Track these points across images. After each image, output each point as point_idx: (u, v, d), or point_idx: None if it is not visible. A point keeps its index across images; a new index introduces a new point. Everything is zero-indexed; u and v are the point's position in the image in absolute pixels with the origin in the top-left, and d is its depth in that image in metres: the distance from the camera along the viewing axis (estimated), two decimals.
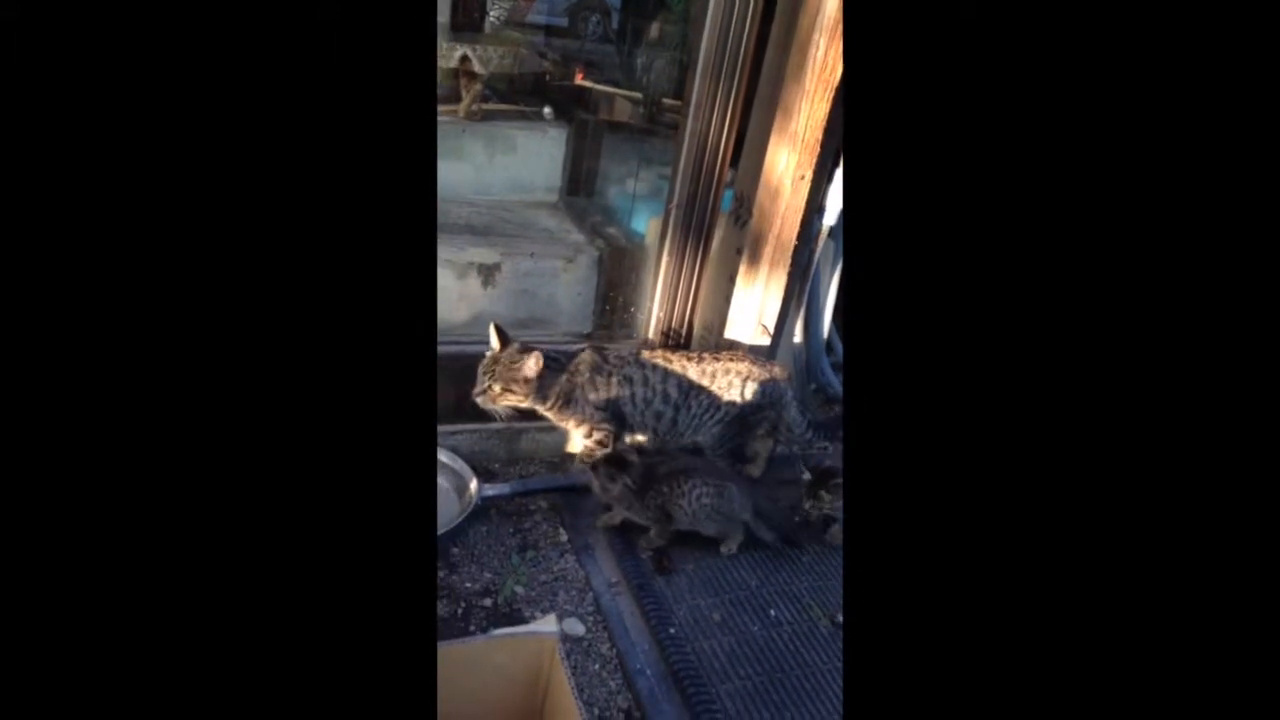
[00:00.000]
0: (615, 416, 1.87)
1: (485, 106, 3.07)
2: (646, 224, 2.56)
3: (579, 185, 3.08)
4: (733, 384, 1.89)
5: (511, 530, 1.82)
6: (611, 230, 2.74)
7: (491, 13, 3.68)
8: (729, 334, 2.12)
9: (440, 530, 1.67)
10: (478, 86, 2.99)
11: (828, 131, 1.88)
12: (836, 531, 1.84)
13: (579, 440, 1.92)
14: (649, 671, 1.49)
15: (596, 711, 1.42)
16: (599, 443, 1.86)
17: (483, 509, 1.83)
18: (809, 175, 1.93)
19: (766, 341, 2.13)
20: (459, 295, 2.33)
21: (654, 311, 2.25)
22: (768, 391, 1.91)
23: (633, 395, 1.86)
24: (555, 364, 1.84)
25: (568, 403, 1.84)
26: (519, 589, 1.65)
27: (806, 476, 1.81)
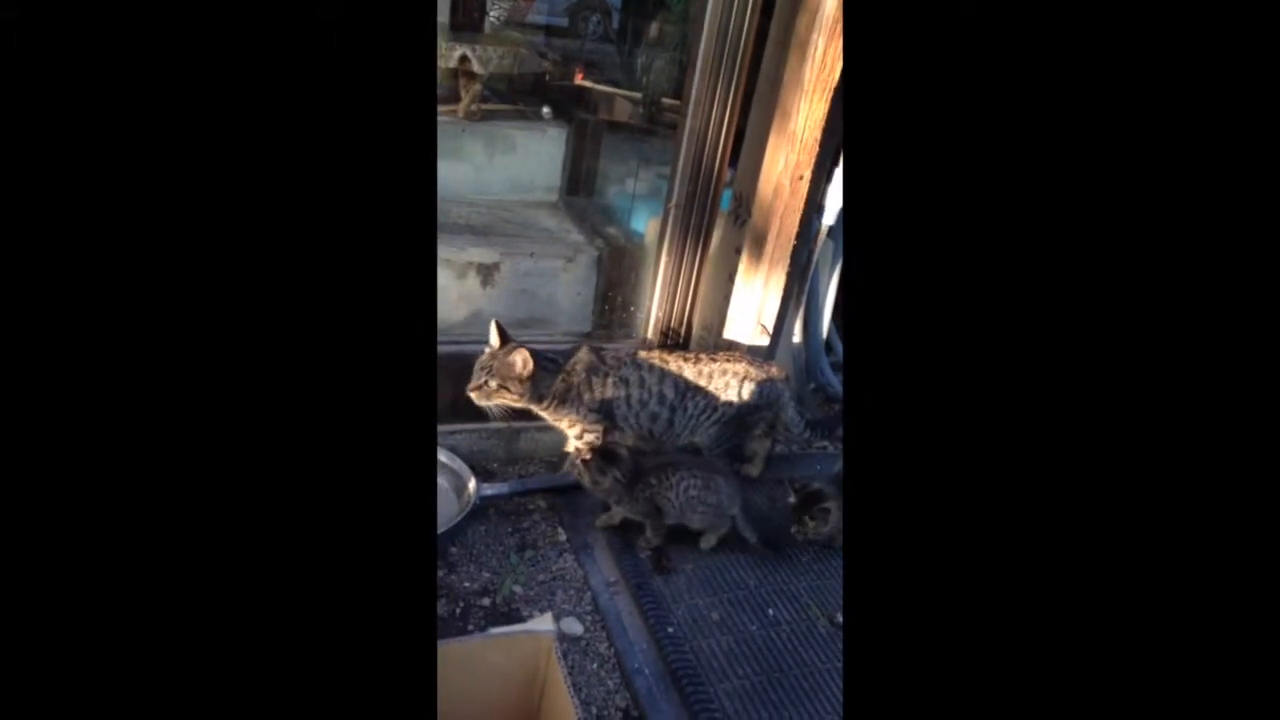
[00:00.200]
0: (607, 417, 1.86)
1: (484, 106, 3.08)
2: (646, 224, 2.57)
3: (578, 185, 3.08)
4: (729, 384, 1.89)
5: (510, 530, 1.82)
6: (611, 230, 2.74)
7: (491, 13, 3.68)
8: (728, 333, 2.12)
9: (439, 530, 1.67)
10: (477, 86, 3.00)
11: (826, 131, 1.88)
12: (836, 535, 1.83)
13: (571, 441, 1.92)
14: (647, 671, 1.49)
15: (594, 710, 1.42)
16: (589, 444, 1.85)
17: (481, 508, 1.83)
18: (808, 175, 1.93)
19: (766, 341, 2.13)
20: (458, 295, 2.34)
21: (653, 311, 2.25)
22: (765, 392, 1.91)
23: (628, 396, 1.86)
24: (553, 364, 1.84)
25: (563, 403, 1.84)
26: (517, 588, 1.66)
27: (792, 499, 1.78)
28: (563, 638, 1.55)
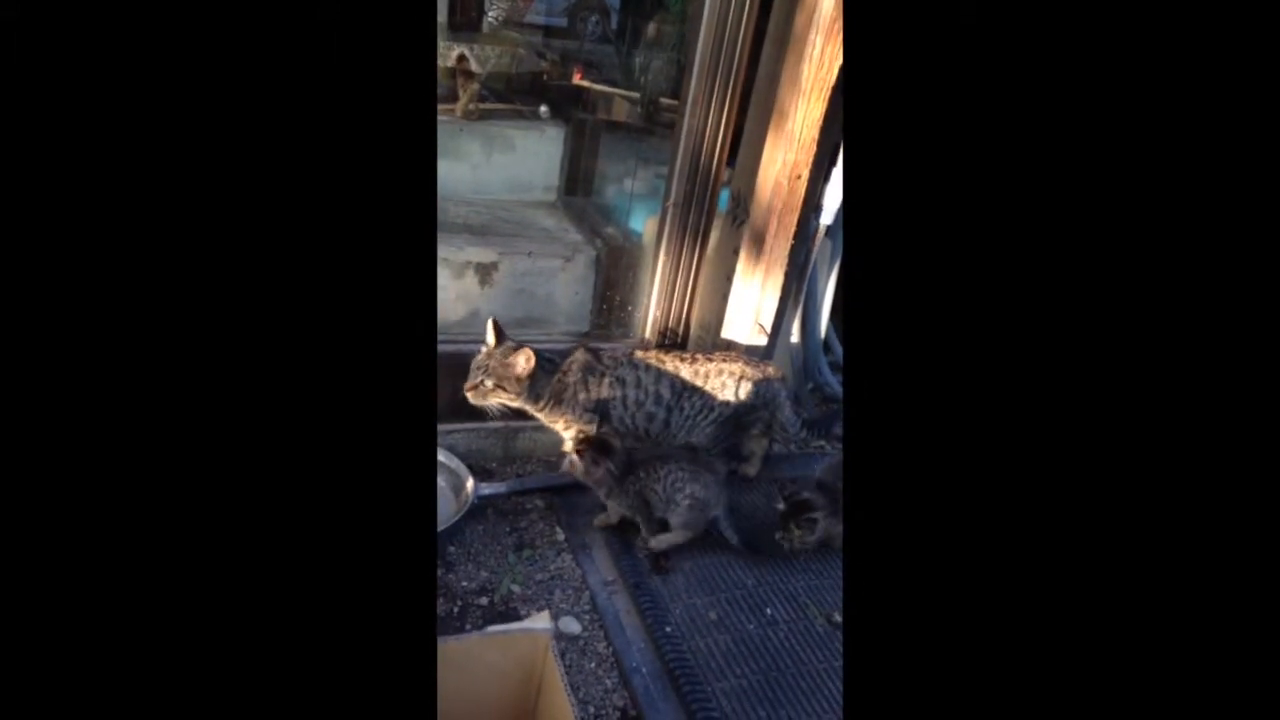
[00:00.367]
0: (602, 417, 1.86)
1: (482, 106, 3.08)
2: (644, 223, 2.57)
3: (576, 184, 3.08)
4: (726, 384, 1.89)
5: (508, 529, 1.82)
6: (609, 229, 2.74)
7: (489, 12, 3.68)
8: (726, 333, 2.12)
9: (437, 529, 1.67)
10: (475, 86, 3.00)
11: (824, 130, 1.89)
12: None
13: (567, 441, 1.92)
14: (645, 670, 1.49)
15: (592, 710, 1.42)
16: (584, 435, 1.85)
17: (479, 508, 1.82)
18: (805, 174, 1.93)
19: (764, 340, 2.13)
20: (456, 294, 2.34)
21: (651, 311, 2.25)
22: (761, 392, 1.91)
23: (624, 397, 1.86)
24: (550, 364, 1.84)
25: (559, 403, 1.84)
26: (515, 587, 1.66)
27: (780, 506, 1.77)
28: (560, 637, 1.55)
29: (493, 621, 1.54)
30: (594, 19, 4.64)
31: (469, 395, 1.79)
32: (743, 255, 2.05)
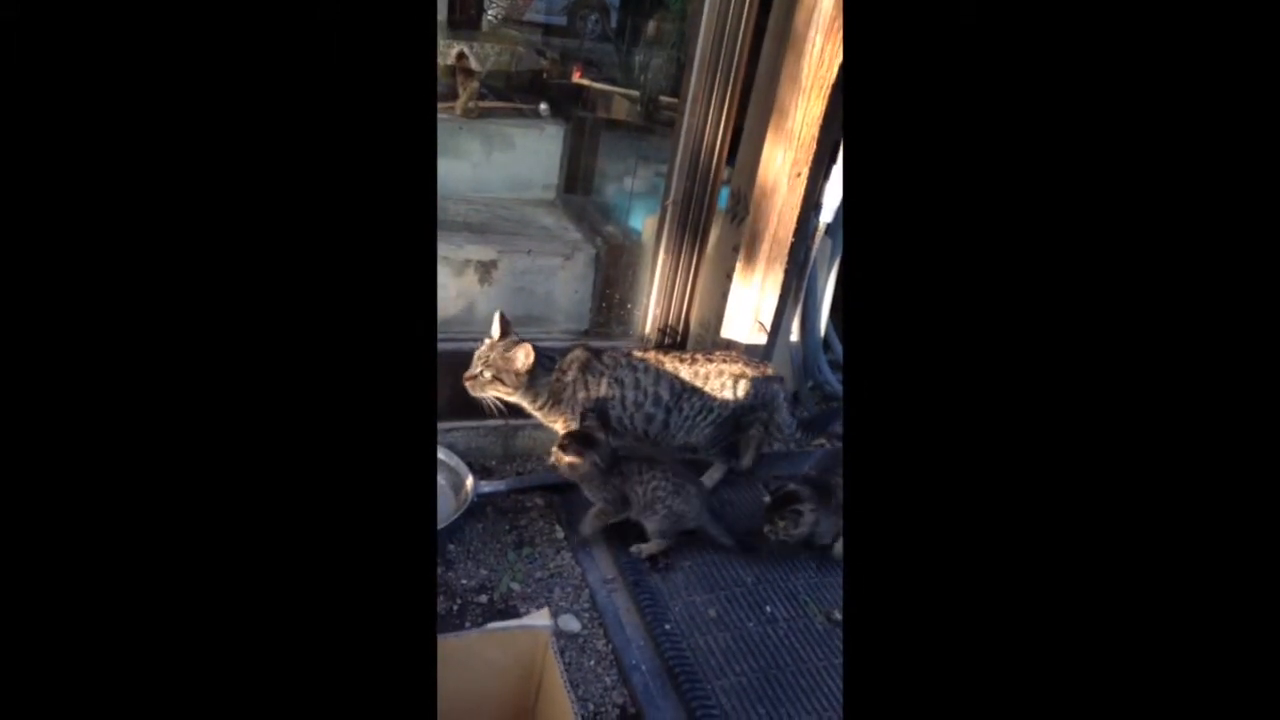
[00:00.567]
0: (600, 417, 1.86)
1: (482, 104, 3.07)
2: (643, 221, 2.57)
3: (576, 183, 3.08)
4: (725, 385, 1.88)
5: (508, 527, 1.82)
6: (609, 228, 2.74)
7: (489, 10, 3.68)
8: (726, 332, 2.12)
9: (437, 527, 1.67)
10: (474, 84, 2.99)
11: (824, 128, 1.89)
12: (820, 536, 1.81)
13: None
14: (644, 667, 1.50)
15: (592, 707, 1.42)
16: (603, 429, 1.85)
17: (479, 506, 1.83)
18: (805, 172, 1.93)
19: (764, 339, 2.13)
20: (456, 292, 2.33)
21: (651, 309, 2.25)
22: (760, 392, 1.91)
23: (623, 397, 1.85)
24: (549, 361, 1.84)
25: (557, 402, 1.83)
26: (515, 585, 1.66)
27: (766, 499, 1.77)
28: (560, 635, 1.55)
29: (492, 619, 1.54)
30: (594, 17, 4.63)
31: (467, 384, 1.79)
32: (742, 253, 2.05)
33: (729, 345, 2.11)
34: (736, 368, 1.90)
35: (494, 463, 2.04)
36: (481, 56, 3.13)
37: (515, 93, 3.33)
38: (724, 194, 2.13)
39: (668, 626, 1.58)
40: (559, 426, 1.87)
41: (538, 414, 1.86)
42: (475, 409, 1.83)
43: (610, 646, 1.55)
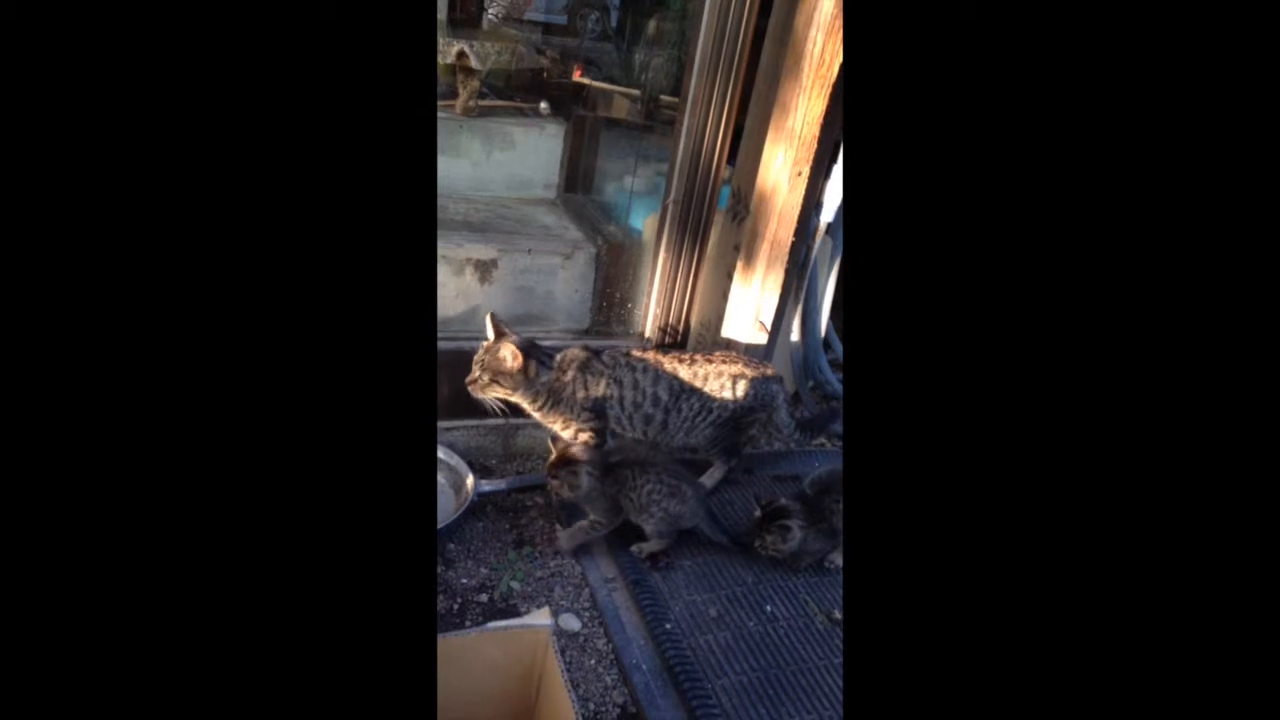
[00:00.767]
0: (599, 416, 1.85)
1: (482, 103, 3.07)
2: (644, 221, 2.56)
3: (577, 182, 3.07)
4: (724, 385, 1.88)
5: (508, 526, 1.82)
6: (609, 227, 2.74)
7: (489, 9, 3.67)
8: (726, 331, 2.12)
9: (437, 526, 1.67)
10: (475, 83, 2.99)
11: (825, 128, 1.88)
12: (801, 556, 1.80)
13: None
14: (645, 667, 1.50)
15: (592, 706, 1.42)
16: (585, 443, 1.85)
17: (479, 505, 1.83)
18: (806, 172, 1.93)
19: (764, 338, 2.13)
20: (456, 291, 2.33)
21: (651, 308, 2.25)
22: (759, 393, 1.90)
23: (621, 398, 1.84)
24: (548, 358, 1.84)
25: (556, 402, 1.83)
26: (515, 585, 1.66)
27: (757, 514, 1.76)
28: (561, 634, 1.55)
29: (493, 618, 1.54)
30: (594, 16, 4.63)
31: (469, 389, 1.79)
32: (743, 253, 2.05)
33: (729, 344, 2.11)
34: (735, 368, 1.90)
35: (494, 462, 2.04)
36: (482, 55, 3.13)
37: (515, 91, 3.32)
38: (724, 193, 2.13)
39: (668, 625, 1.58)
40: (557, 426, 1.86)
41: (536, 414, 1.85)
42: (475, 408, 1.83)
43: (611, 645, 1.55)
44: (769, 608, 1.67)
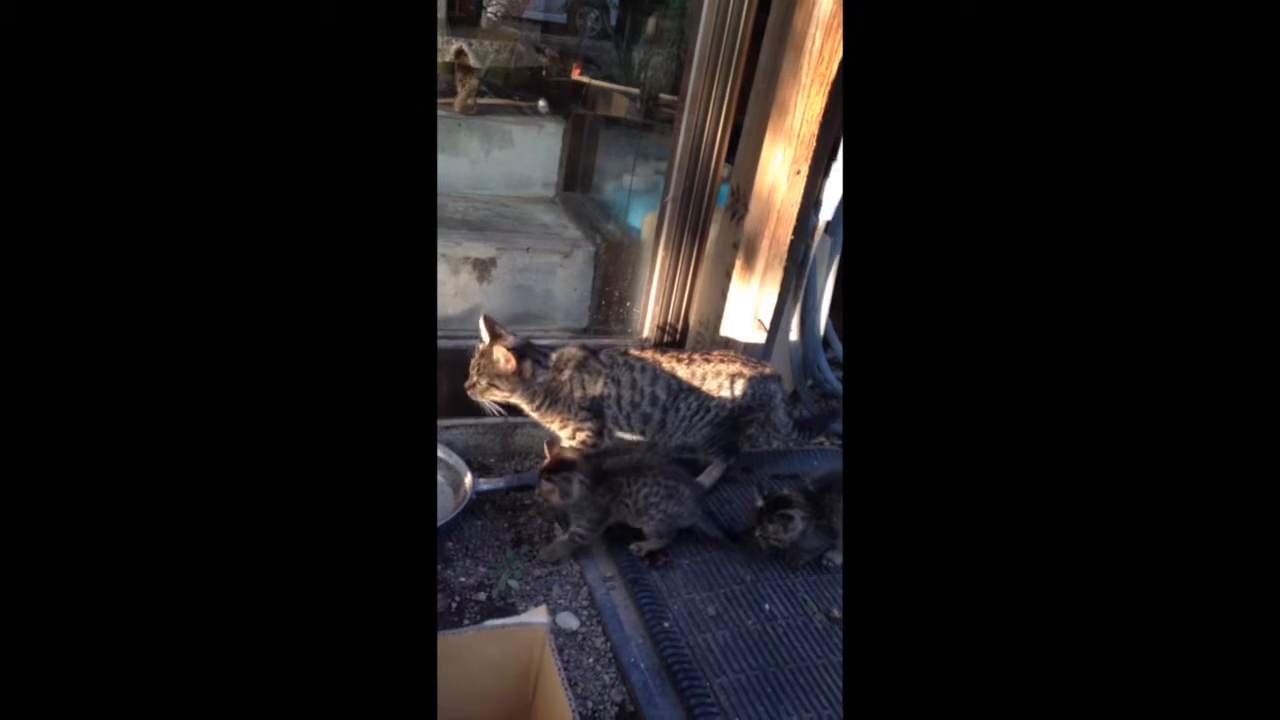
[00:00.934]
0: (597, 415, 1.85)
1: (481, 101, 3.07)
2: (643, 219, 2.56)
3: (575, 180, 3.07)
4: (723, 385, 1.88)
5: (506, 525, 1.82)
6: (608, 225, 2.74)
7: (489, 7, 3.67)
8: (725, 329, 2.12)
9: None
10: (473, 81, 2.99)
11: (824, 126, 1.88)
12: (799, 553, 1.79)
13: (563, 441, 1.91)
14: (643, 665, 1.49)
15: (590, 705, 1.42)
16: (584, 442, 1.85)
17: (478, 503, 1.82)
18: (805, 170, 1.93)
19: (762, 337, 2.13)
20: (455, 290, 2.33)
21: (650, 306, 2.25)
22: (757, 392, 1.90)
23: (619, 397, 1.84)
24: (544, 357, 1.83)
25: (554, 402, 1.82)
26: (514, 583, 1.65)
27: (759, 504, 1.76)
28: (559, 632, 1.55)
29: (491, 617, 1.54)
30: (593, 14, 4.62)
31: (469, 393, 1.79)
32: (742, 251, 2.05)
33: (728, 343, 2.11)
34: (734, 367, 1.90)
35: (493, 460, 2.04)
36: (480, 53, 3.12)
37: (514, 90, 3.32)
38: (723, 191, 2.13)
39: (666, 624, 1.58)
40: (555, 426, 1.86)
41: (535, 414, 1.85)
42: (474, 407, 1.83)
43: (609, 644, 1.55)
44: (767, 606, 1.67)
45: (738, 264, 2.06)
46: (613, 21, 4.41)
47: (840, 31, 1.76)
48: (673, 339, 2.25)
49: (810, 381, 2.51)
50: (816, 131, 1.89)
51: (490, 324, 1.80)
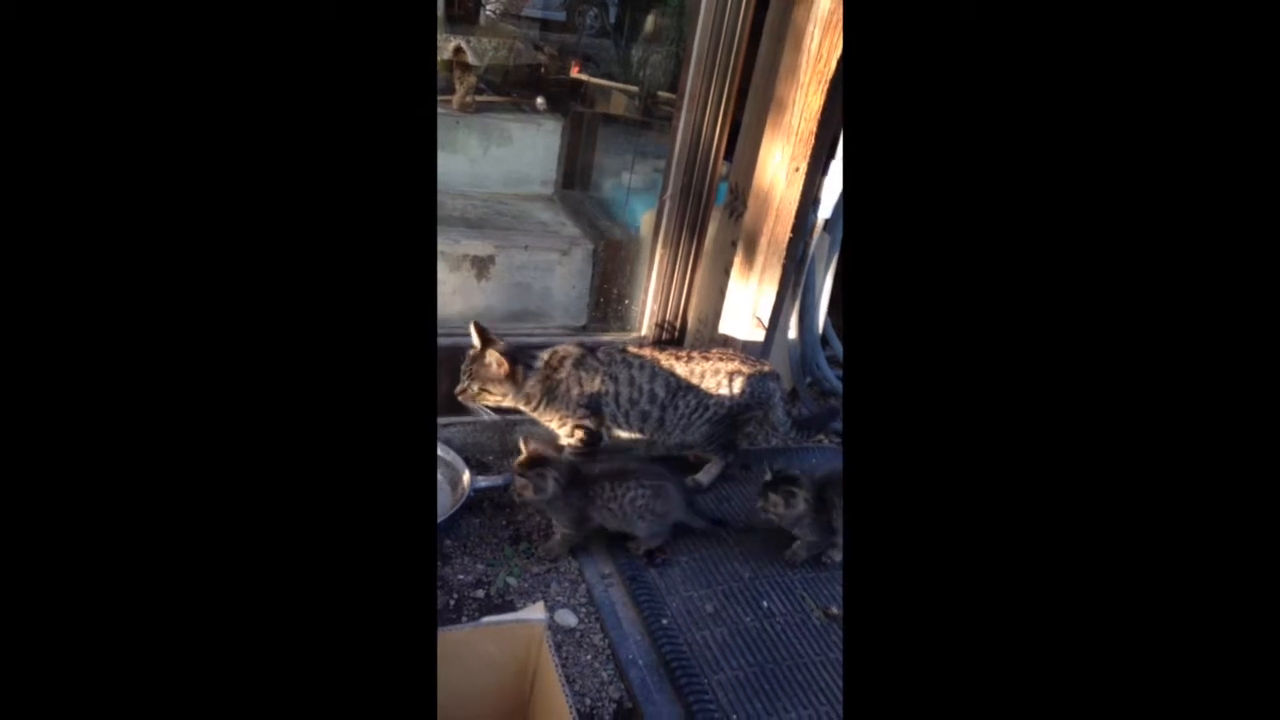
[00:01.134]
0: (595, 412, 1.84)
1: (479, 99, 3.07)
2: (641, 217, 2.56)
3: (574, 178, 3.08)
4: (721, 383, 1.87)
5: (504, 522, 1.82)
6: (606, 223, 2.74)
7: (487, 5, 3.67)
8: (723, 327, 2.12)
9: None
10: (472, 79, 2.99)
11: (822, 124, 1.88)
12: (798, 549, 1.78)
13: (561, 438, 1.90)
14: (641, 662, 1.50)
15: (589, 702, 1.42)
16: (581, 440, 1.84)
17: (476, 501, 1.82)
18: (803, 167, 1.93)
19: (761, 335, 2.13)
20: (453, 288, 2.33)
21: (649, 304, 2.25)
22: (756, 390, 1.90)
23: (618, 395, 1.84)
24: (533, 358, 1.83)
25: (552, 400, 1.82)
26: (512, 580, 1.65)
27: (767, 476, 1.74)
28: (557, 629, 1.55)
29: (489, 614, 1.54)
30: (592, 12, 4.62)
31: (460, 399, 1.79)
32: (740, 249, 2.05)
33: (726, 341, 2.11)
34: (732, 365, 1.89)
35: (491, 458, 2.04)
36: (479, 51, 3.12)
37: (513, 88, 3.32)
38: (722, 189, 2.13)
39: (664, 621, 1.58)
40: (554, 425, 1.86)
41: (532, 413, 1.85)
42: None
43: (607, 641, 1.55)
44: (765, 603, 1.67)
45: (736, 262, 2.06)
46: (611, 19, 4.41)
47: (839, 29, 1.76)
48: (671, 337, 2.25)
49: (809, 379, 2.51)
50: (815, 129, 1.89)
51: (480, 329, 1.79)
